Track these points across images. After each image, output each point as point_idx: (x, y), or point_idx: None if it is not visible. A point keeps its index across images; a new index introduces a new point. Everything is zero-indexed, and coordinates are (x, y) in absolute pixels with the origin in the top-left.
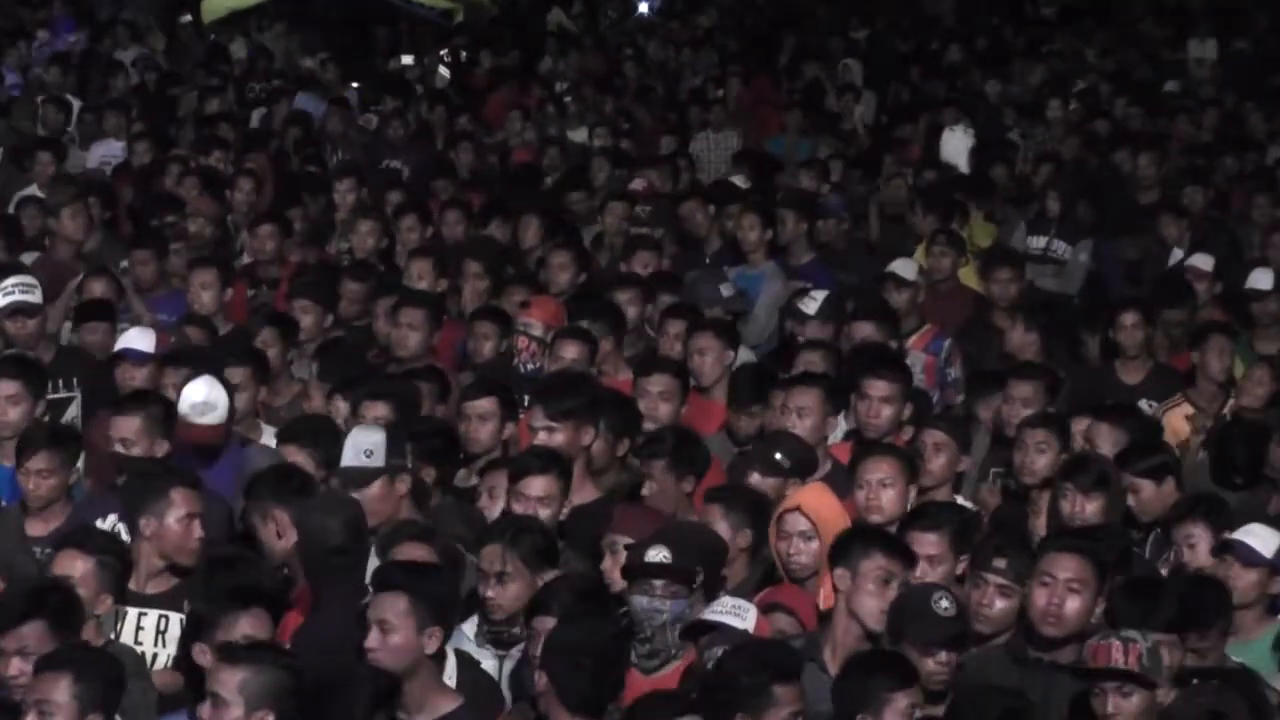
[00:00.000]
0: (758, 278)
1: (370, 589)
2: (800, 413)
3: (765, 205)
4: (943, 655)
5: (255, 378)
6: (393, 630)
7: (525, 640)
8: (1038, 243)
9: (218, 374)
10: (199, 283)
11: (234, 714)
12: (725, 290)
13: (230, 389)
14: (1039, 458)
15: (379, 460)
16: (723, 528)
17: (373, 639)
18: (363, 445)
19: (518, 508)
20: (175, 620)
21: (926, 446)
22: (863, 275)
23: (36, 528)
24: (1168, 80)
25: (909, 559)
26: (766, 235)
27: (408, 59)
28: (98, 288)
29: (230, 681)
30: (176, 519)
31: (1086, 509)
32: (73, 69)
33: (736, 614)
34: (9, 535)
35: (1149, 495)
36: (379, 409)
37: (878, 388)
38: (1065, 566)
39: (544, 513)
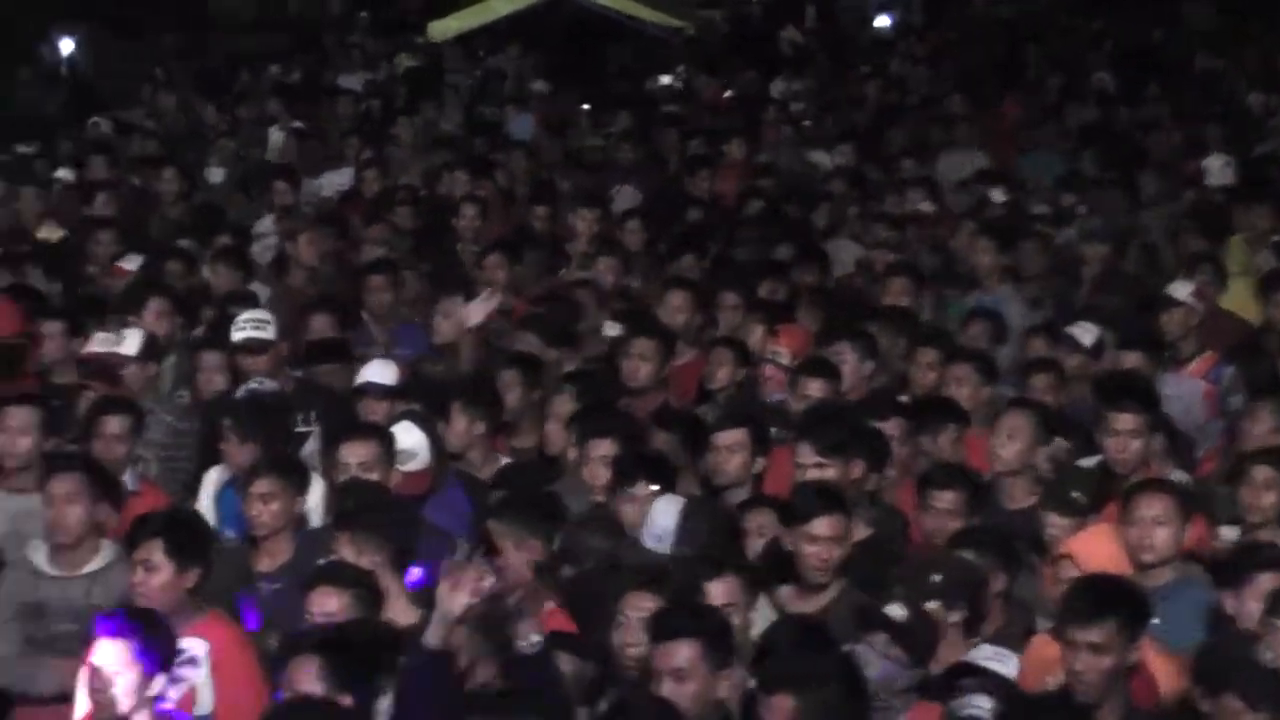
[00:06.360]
0: (994, 304)
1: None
2: (1011, 434)
3: (1002, 229)
4: (1264, 714)
5: (487, 417)
6: (687, 678)
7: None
8: None
9: (445, 412)
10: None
11: None
12: None
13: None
14: (1266, 495)
15: (665, 546)
16: None
17: (668, 689)
18: (655, 529)
19: (807, 549)
20: None
21: (1256, 481)
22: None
23: (264, 563)
24: None
25: None
26: (1002, 260)
27: (666, 78)
28: (321, 323)
29: None
30: None
31: None
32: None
33: (999, 660)
34: (234, 571)
35: None
36: (604, 447)
37: (1124, 421)
38: None
39: (834, 553)
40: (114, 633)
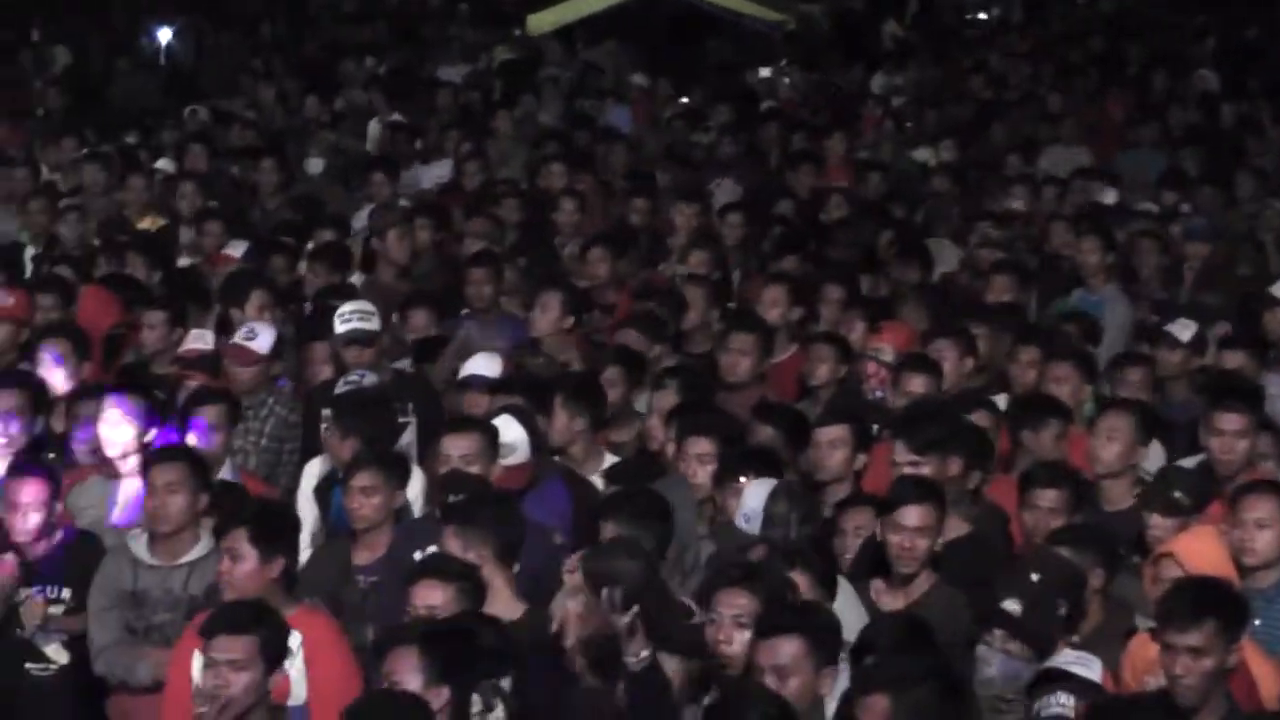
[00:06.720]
0: (1099, 303)
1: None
2: (1110, 434)
3: (1106, 226)
4: None
5: (589, 413)
6: (790, 674)
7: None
8: None
9: (546, 405)
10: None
11: None
12: None
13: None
14: None
15: (756, 526)
16: None
17: (770, 685)
18: (745, 509)
19: (894, 539)
20: None
21: None
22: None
23: (361, 556)
24: None
25: None
26: (1108, 259)
27: (765, 71)
28: (420, 319)
29: None
30: None
31: None
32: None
33: (1082, 664)
34: (335, 564)
35: None
36: (702, 445)
37: (1230, 421)
38: None
39: (921, 544)
40: (235, 628)
